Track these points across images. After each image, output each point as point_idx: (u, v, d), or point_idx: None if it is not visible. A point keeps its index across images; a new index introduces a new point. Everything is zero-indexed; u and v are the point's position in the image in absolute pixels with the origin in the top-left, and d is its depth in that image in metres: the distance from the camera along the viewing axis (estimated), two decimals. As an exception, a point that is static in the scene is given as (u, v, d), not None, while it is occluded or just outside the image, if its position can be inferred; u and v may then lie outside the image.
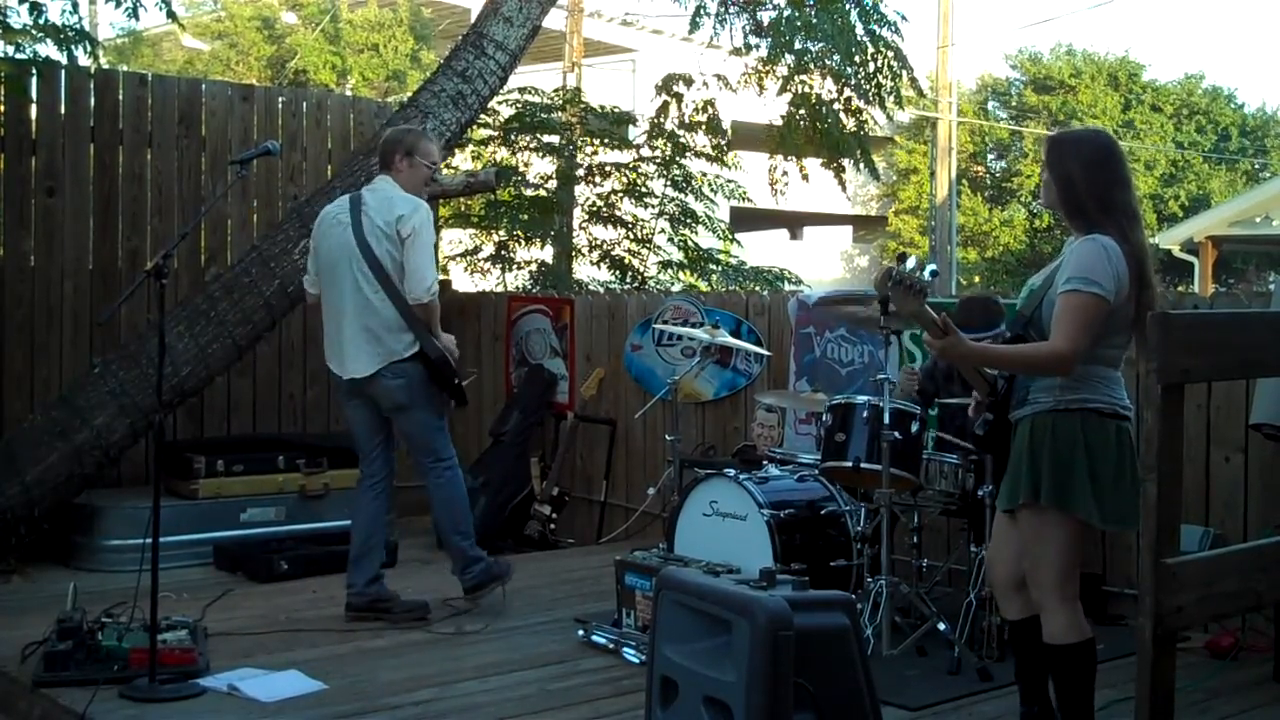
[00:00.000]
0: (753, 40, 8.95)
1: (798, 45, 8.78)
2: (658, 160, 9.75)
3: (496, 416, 7.72)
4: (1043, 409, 3.34)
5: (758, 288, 9.67)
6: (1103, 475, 3.27)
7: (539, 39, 7.49)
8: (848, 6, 8.89)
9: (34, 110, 6.99)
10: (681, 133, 9.74)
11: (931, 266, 3.33)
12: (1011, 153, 26.57)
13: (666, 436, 5.96)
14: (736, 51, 9.16)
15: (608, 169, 9.78)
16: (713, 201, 10.05)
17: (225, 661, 4.43)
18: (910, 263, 3.24)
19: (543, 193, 9.70)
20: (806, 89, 9.13)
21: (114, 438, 6.08)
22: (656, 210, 9.76)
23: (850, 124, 9.24)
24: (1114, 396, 3.34)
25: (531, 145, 9.73)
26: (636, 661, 4.51)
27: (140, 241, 7.23)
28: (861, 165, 9.74)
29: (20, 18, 6.85)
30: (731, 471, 5.04)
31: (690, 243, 9.95)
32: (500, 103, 9.12)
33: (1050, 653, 3.39)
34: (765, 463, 5.35)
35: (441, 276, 8.83)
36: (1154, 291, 3.35)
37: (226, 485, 6.64)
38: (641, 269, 9.77)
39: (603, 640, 4.78)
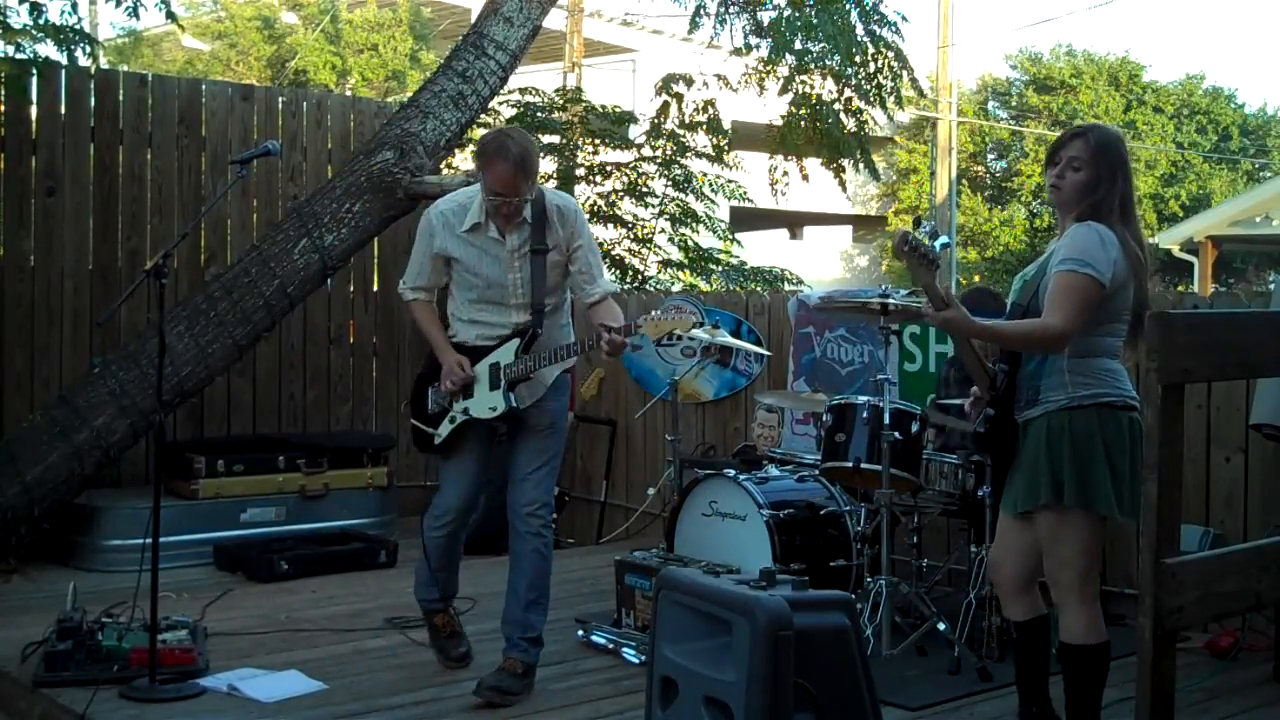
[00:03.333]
0: (753, 40, 8.95)
1: (798, 45, 8.78)
2: (658, 160, 9.75)
3: (497, 416, 7.71)
4: (1056, 407, 3.34)
5: (758, 288, 9.68)
6: (1120, 468, 3.29)
7: (539, 39, 7.49)
8: (848, 7, 8.88)
9: (34, 110, 7.00)
10: (682, 133, 9.74)
11: (943, 239, 3.37)
12: (1011, 153, 26.56)
13: (666, 436, 5.97)
14: (737, 51, 9.15)
15: (608, 169, 9.78)
16: (713, 201, 10.05)
17: (225, 661, 4.43)
18: (925, 228, 3.27)
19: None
20: (807, 89, 9.13)
21: (114, 438, 6.09)
22: (657, 210, 9.76)
23: (850, 124, 9.24)
24: (1123, 388, 3.36)
25: (531, 146, 9.72)
26: (636, 661, 4.51)
27: (140, 241, 7.23)
28: (861, 165, 9.74)
29: (20, 18, 6.87)
30: (731, 472, 5.04)
31: (690, 242, 9.96)
32: (501, 103, 9.12)
33: (1065, 651, 3.39)
34: (765, 463, 5.35)
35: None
36: (1146, 282, 3.38)
37: (226, 485, 6.64)
38: (642, 269, 9.77)
39: (603, 640, 4.78)
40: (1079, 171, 3.37)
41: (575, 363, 4.44)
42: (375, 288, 8.10)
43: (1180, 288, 19.01)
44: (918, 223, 3.31)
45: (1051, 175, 3.43)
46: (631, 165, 9.78)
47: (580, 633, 4.89)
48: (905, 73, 9.20)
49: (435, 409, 4.34)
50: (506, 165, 4.00)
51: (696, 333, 5.91)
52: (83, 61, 7.10)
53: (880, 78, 9.06)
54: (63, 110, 7.01)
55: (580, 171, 9.78)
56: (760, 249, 17.02)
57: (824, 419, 5.05)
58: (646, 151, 9.82)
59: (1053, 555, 3.38)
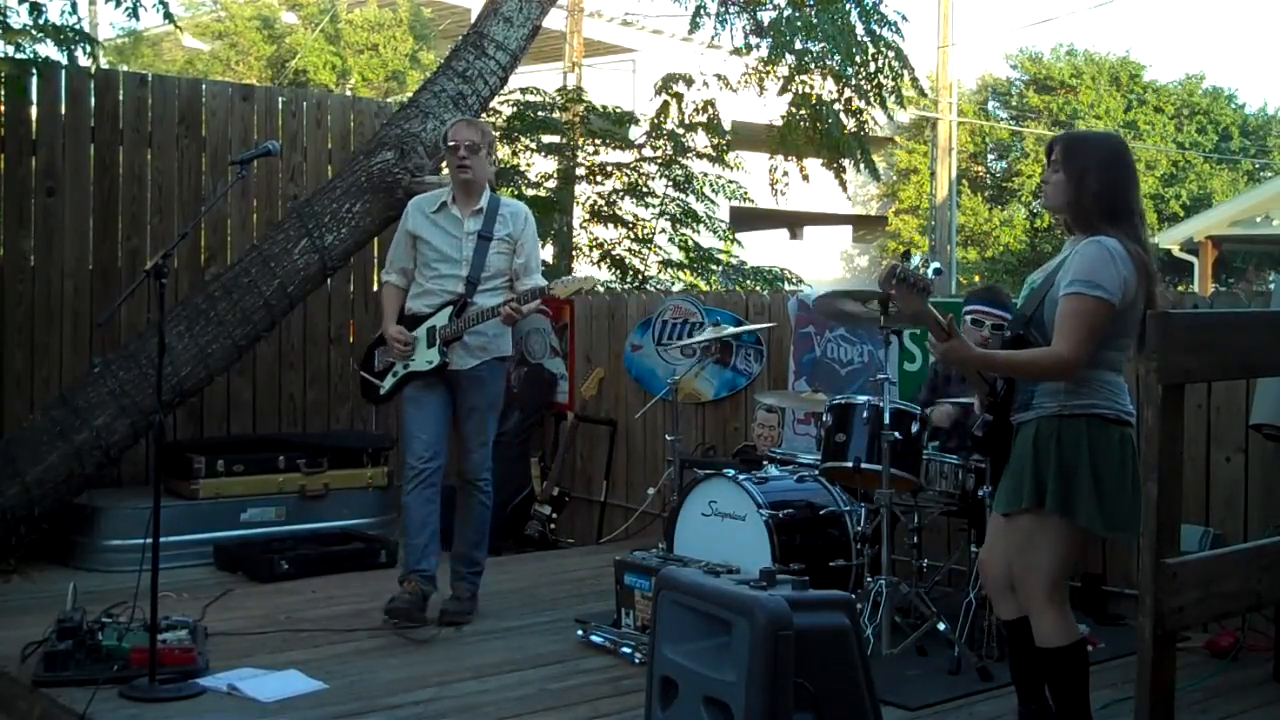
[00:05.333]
0: (753, 40, 8.95)
1: (798, 45, 8.78)
2: (658, 160, 9.75)
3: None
4: (1047, 414, 3.32)
5: (758, 288, 9.68)
6: (1106, 481, 3.26)
7: (539, 39, 7.48)
8: (848, 6, 8.88)
9: (34, 110, 7.00)
10: (682, 133, 9.74)
11: (935, 264, 3.35)
12: (1012, 153, 26.58)
13: (666, 436, 5.96)
14: (737, 51, 9.15)
15: (608, 169, 9.79)
16: (713, 201, 10.06)
17: (225, 661, 4.43)
18: (914, 260, 3.25)
19: (543, 192, 9.71)
20: (807, 89, 9.13)
21: (114, 438, 6.09)
22: (657, 210, 9.77)
23: (850, 124, 9.24)
24: (1118, 402, 3.33)
25: (533, 145, 9.74)
26: (636, 661, 4.51)
27: (140, 241, 7.23)
28: (861, 165, 9.74)
29: (20, 18, 6.87)
30: (731, 471, 5.04)
31: (690, 242, 9.96)
32: (501, 103, 9.13)
33: (1041, 656, 3.38)
34: (765, 463, 5.35)
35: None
36: (1157, 294, 3.36)
37: (226, 485, 6.64)
38: (642, 269, 9.77)
39: (602, 640, 4.78)
40: (1057, 174, 3.40)
41: (509, 358, 5.30)
42: (375, 288, 8.10)
43: (1180, 288, 19.02)
44: (906, 255, 3.30)
45: (1042, 180, 3.47)
46: (632, 165, 9.79)
47: (580, 633, 4.89)
48: (905, 72, 9.20)
49: (381, 366, 5.19)
50: (462, 123, 5.11)
51: (702, 338, 5.95)
52: (83, 61, 7.10)
53: (880, 78, 9.06)
54: (63, 110, 7.01)
55: (580, 171, 9.79)
56: (760, 249, 17.01)
57: (824, 419, 5.04)
58: (647, 152, 9.83)
59: (1024, 559, 3.37)
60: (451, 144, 5.00)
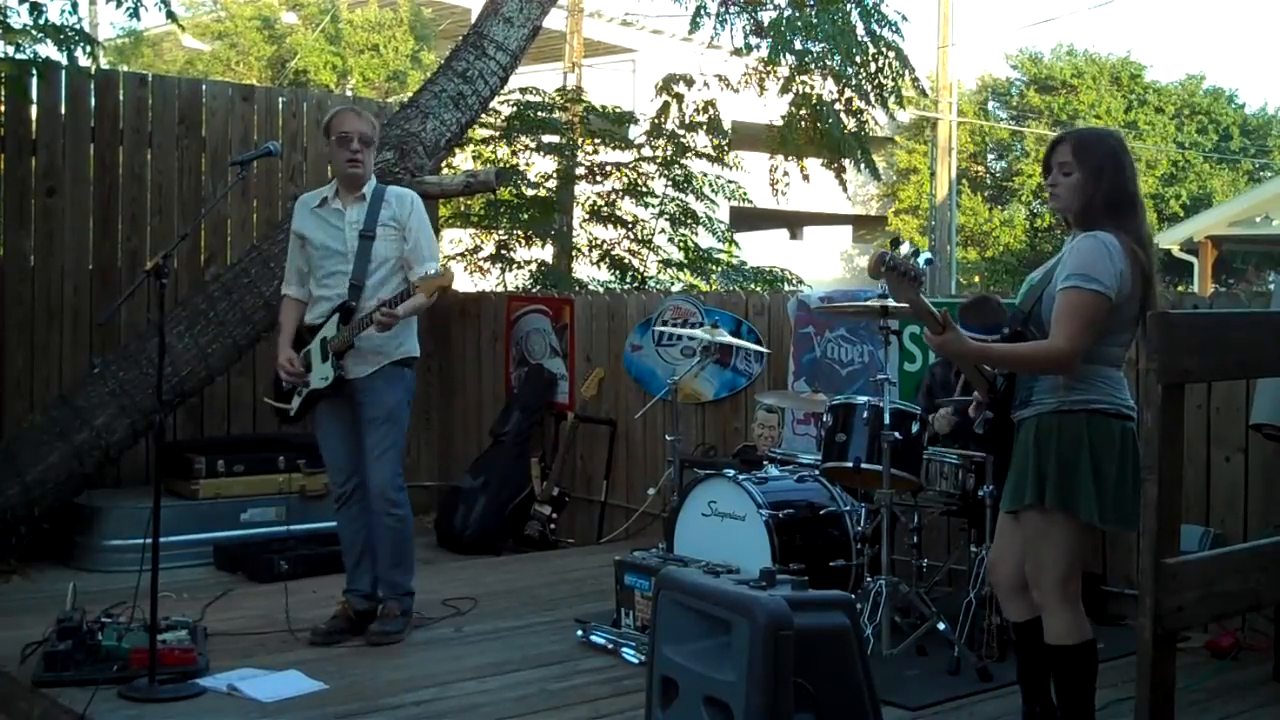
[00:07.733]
0: (753, 40, 8.96)
1: (798, 45, 8.79)
2: (658, 160, 9.75)
3: (496, 416, 7.73)
4: (1047, 410, 3.33)
5: (758, 288, 9.67)
6: (1106, 475, 3.26)
7: (539, 39, 7.49)
8: (848, 6, 8.89)
9: (34, 110, 7.00)
10: (682, 133, 9.74)
11: (925, 255, 3.31)
12: (1012, 153, 26.56)
13: (666, 436, 5.96)
14: (737, 52, 9.16)
15: (608, 169, 9.79)
16: (713, 202, 10.06)
17: (225, 661, 4.43)
18: (904, 248, 3.23)
19: (543, 192, 9.71)
20: (807, 89, 9.14)
21: (114, 438, 6.09)
22: (657, 210, 9.77)
23: (851, 124, 9.24)
24: (1118, 397, 3.33)
25: (532, 145, 9.74)
26: (636, 661, 4.50)
27: (140, 241, 7.23)
28: (862, 165, 9.75)
29: (20, 18, 6.87)
30: (731, 472, 5.04)
31: (690, 243, 9.96)
32: (501, 103, 9.13)
33: (1051, 653, 3.39)
34: (765, 463, 5.35)
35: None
36: (1155, 290, 3.36)
37: (226, 485, 6.64)
38: (642, 269, 9.77)
39: (602, 640, 4.78)
40: (1069, 175, 3.37)
41: (415, 356, 4.89)
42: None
43: (1180, 288, 19.01)
44: (896, 242, 3.26)
45: (1048, 183, 3.45)
46: (631, 165, 9.79)
47: (580, 633, 4.89)
48: (906, 72, 9.21)
49: (288, 387, 4.91)
50: (351, 114, 4.77)
51: (697, 333, 5.94)
52: (83, 61, 7.10)
53: (880, 78, 9.06)
54: (63, 110, 7.01)
55: (580, 171, 9.79)
56: (760, 249, 17.00)
57: (824, 419, 5.04)
58: (646, 151, 9.83)
59: (1034, 556, 3.38)
60: (342, 134, 4.70)
